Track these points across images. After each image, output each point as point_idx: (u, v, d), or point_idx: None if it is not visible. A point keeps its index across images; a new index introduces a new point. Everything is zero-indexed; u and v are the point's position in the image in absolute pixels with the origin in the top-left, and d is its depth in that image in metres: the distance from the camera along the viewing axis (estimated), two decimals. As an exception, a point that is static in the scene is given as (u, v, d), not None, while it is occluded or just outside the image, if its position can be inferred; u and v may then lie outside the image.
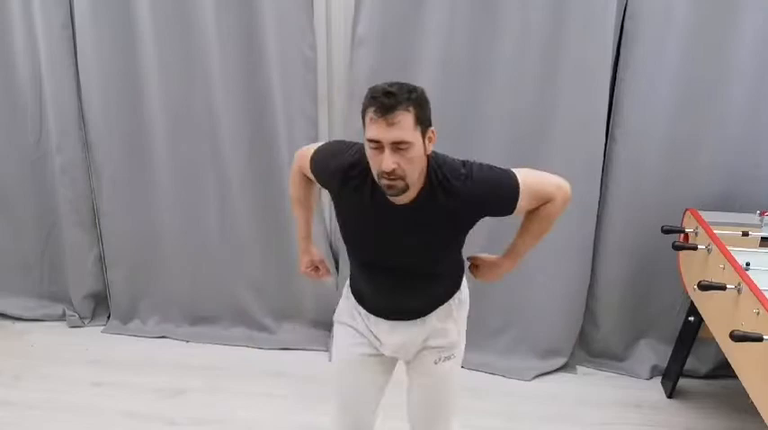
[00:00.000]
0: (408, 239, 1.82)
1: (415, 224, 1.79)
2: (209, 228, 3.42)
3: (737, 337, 2.16)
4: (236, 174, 3.30)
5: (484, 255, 2.12)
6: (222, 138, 3.25)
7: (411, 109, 1.63)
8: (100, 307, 3.72)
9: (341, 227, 1.96)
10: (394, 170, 1.64)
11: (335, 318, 2.14)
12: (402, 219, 1.79)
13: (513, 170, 1.84)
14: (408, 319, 1.98)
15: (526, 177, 1.83)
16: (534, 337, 3.29)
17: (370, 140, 1.65)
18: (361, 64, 3.00)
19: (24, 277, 3.70)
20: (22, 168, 3.49)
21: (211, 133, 3.26)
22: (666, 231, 2.90)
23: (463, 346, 2.11)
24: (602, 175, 3.07)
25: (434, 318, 2.00)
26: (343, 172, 1.82)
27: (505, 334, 3.32)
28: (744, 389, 2.32)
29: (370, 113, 1.64)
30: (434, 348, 2.02)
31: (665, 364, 3.20)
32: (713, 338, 2.61)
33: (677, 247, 2.83)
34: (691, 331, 2.96)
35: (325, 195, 3.36)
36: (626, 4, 2.86)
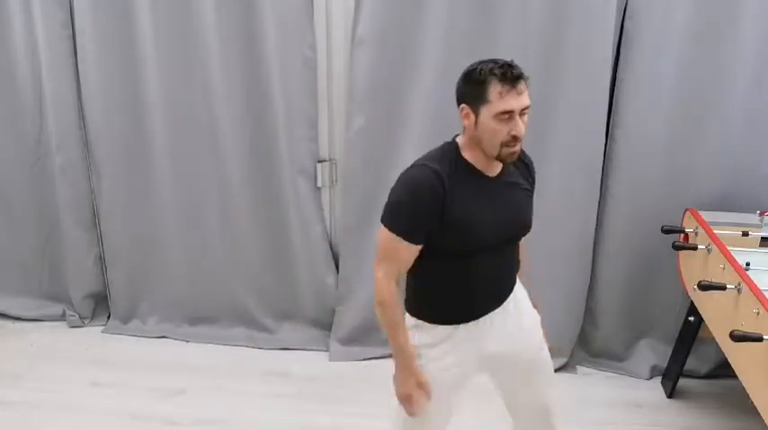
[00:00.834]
0: (514, 205, 1.94)
1: (513, 189, 1.94)
2: (209, 228, 3.42)
3: (737, 337, 2.16)
4: (236, 174, 3.30)
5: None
6: (222, 138, 3.25)
7: (525, 77, 1.79)
8: (100, 307, 3.72)
9: (448, 239, 1.84)
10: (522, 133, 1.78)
11: (426, 370, 1.97)
12: (504, 187, 1.91)
13: None
14: (507, 298, 2.02)
15: None
16: (534, 337, 3.28)
17: (504, 112, 1.74)
18: (361, 64, 3.00)
19: (24, 277, 3.70)
20: (22, 168, 3.50)
21: (211, 133, 3.26)
22: (666, 231, 2.90)
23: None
24: (602, 175, 3.07)
25: (517, 292, 2.08)
26: (439, 178, 1.79)
27: (505, 334, 3.31)
28: (744, 389, 2.32)
29: (499, 88, 1.74)
30: (528, 332, 2.10)
31: (665, 364, 3.20)
32: (713, 338, 2.61)
33: (677, 247, 2.83)
34: (691, 331, 2.96)
35: (325, 196, 3.36)
36: (626, 4, 2.86)
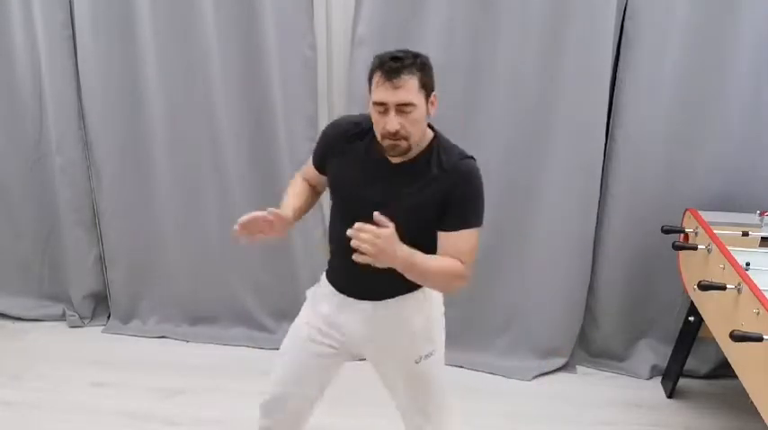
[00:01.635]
0: (394, 195, 1.84)
1: (404, 183, 1.84)
2: (209, 227, 3.42)
3: (737, 337, 2.15)
4: (235, 174, 3.30)
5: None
6: (222, 138, 3.25)
7: (416, 72, 1.73)
8: (100, 307, 3.72)
9: (332, 193, 2.02)
10: (398, 131, 1.74)
11: (307, 295, 2.14)
12: (394, 174, 1.85)
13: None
14: (372, 299, 1.97)
15: (473, 234, 1.85)
16: (534, 337, 3.28)
17: (377, 103, 1.74)
18: (361, 64, 3.00)
19: (24, 277, 3.70)
20: (22, 168, 3.50)
21: (211, 133, 3.26)
22: (666, 231, 2.90)
23: (442, 349, 2.08)
24: (603, 175, 3.07)
25: (404, 304, 1.97)
26: (346, 131, 1.93)
27: (505, 334, 3.31)
28: (744, 389, 2.32)
29: (377, 77, 1.74)
30: (408, 344, 2.01)
31: (665, 364, 3.20)
32: (713, 338, 2.61)
33: (677, 247, 2.83)
34: (691, 331, 2.96)
35: (325, 197, 3.36)
36: (626, 5, 2.86)
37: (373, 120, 1.81)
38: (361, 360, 2.15)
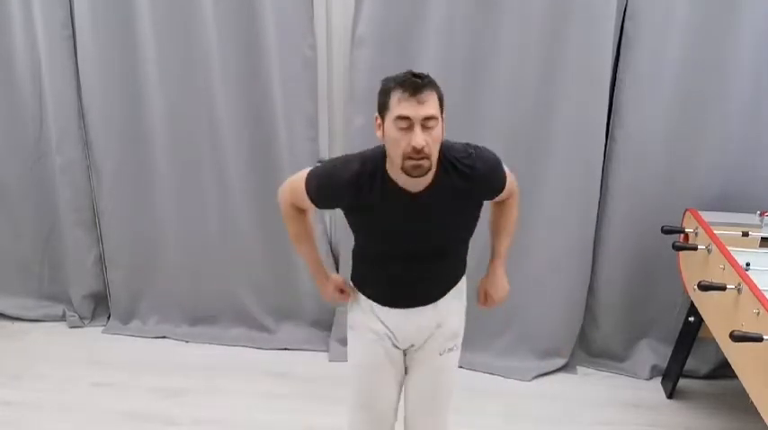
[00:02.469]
0: (432, 225, 1.91)
1: (436, 209, 1.89)
2: (209, 228, 3.42)
3: (737, 337, 2.16)
4: (236, 174, 3.30)
5: (486, 279, 2.22)
6: (222, 138, 3.25)
7: (434, 89, 1.77)
8: (100, 307, 3.72)
9: (358, 232, 2.02)
10: (423, 148, 1.73)
11: (349, 324, 2.15)
12: (422, 207, 1.87)
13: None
14: (424, 304, 2.05)
15: (509, 180, 2.03)
16: (534, 337, 3.29)
17: (402, 118, 1.73)
18: (361, 64, 3.00)
19: (24, 277, 3.70)
20: (21, 168, 3.50)
21: (211, 133, 3.26)
22: (666, 231, 2.90)
23: (461, 340, 2.16)
24: (603, 175, 3.07)
25: (447, 299, 2.07)
26: (352, 184, 1.87)
27: (505, 334, 3.32)
28: (744, 389, 2.32)
29: (398, 95, 1.74)
30: (441, 337, 2.08)
31: (665, 364, 3.20)
32: (713, 338, 2.61)
33: (677, 247, 2.83)
34: (691, 331, 2.96)
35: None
36: (626, 5, 2.86)
37: (392, 141, 1.76)
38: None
